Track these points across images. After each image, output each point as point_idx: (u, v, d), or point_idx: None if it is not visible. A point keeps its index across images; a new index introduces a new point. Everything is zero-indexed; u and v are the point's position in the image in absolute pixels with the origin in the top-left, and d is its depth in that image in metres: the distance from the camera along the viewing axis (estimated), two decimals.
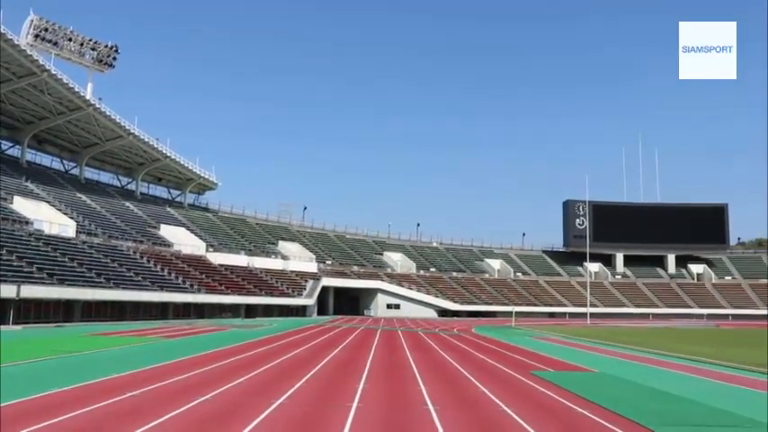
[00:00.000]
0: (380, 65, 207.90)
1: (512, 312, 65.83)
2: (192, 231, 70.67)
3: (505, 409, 10.35)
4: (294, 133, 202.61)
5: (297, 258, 79.42)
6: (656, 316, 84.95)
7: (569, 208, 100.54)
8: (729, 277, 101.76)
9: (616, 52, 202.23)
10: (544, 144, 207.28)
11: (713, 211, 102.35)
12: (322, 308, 75.03)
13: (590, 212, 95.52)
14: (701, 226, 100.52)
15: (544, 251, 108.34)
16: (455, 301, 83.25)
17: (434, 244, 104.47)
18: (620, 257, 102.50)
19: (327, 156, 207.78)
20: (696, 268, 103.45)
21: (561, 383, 13.69)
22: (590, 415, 9.88)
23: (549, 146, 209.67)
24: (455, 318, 74.15)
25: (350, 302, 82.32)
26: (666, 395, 12.49)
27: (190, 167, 75.21)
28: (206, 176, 78.55)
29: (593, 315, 73.88)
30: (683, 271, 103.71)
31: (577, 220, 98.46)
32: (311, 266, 78.46)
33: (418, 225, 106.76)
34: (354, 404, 10.54)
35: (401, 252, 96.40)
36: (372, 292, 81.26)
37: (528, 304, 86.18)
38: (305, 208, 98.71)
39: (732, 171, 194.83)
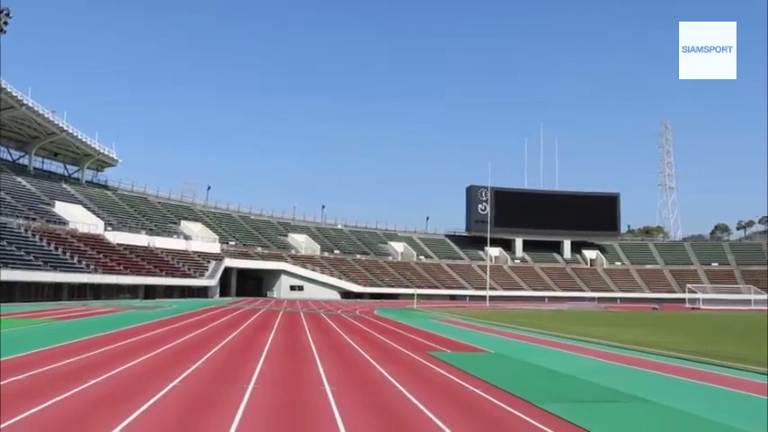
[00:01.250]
0: (279, 44, 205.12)
1: (414, 295, 66.88)
2: (89, 209, 67.83)
3: (401, 389, 10.52)
4: (200, 113, 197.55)
5: (199, 239, 77.77)
6: (551, 299, 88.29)
7: (472, 193, 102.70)
8: (619, 263, 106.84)
9: (523, 46, 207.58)
10: (450, 131, 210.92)
11: (606, 200, 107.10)
12: (224, 289, 73.87)
13: (492, 198, 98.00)
14: (595, 214, 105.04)
15: (447, 235, 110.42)
16: (358, 284, 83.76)
17: (339, 226, 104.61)
18: (519, 242, 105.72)
19: (233, 136, 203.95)
20: (590, 254, 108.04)
21: (457, 364, 14.03)
22: (482, 393, 10.18)
23: (454, 132, 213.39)
24: (358, 300, 74.62)
25: (253, 284, 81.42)
26: (556, 373, 13.02)
27: (88, 142, 71.89)
28: (105, 152, 75.32)
29: (492, 298, 76.00)
30: (578, 256, 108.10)
31: (480, 205, 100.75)
32: (214, 247, 77.03)
33: (323, 207, 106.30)
34: (251, 385, 10.46)
35: (306, 234, 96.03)
36: (276, 274, 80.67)
37: (430, 287, 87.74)
38: (209, 187, 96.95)
39: (624, 162, 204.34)
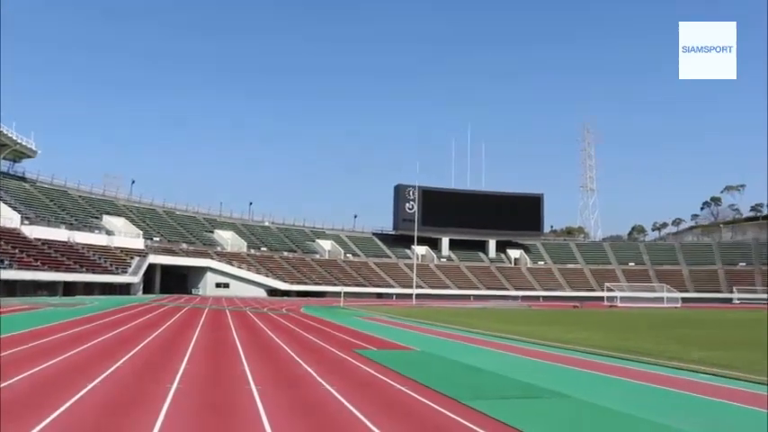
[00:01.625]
0: (205, 40, 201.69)
1: (341, 293, 66.86)
2: (4, 202, 65.00)
3: (327, 387, 10.52)
4: (124, 106, 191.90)
5: (122, 234, 75.63)
6: (476, 297, 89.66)
7: (400, 192, 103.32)
8: (542, 262, 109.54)
9: (452, 47, 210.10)
10: (378, 129, 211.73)
11: (530, 201, 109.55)
12: (148, 286, 72.11)
13: (419, 197, 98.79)
14: (520, 214, 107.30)
15: (374, 233, 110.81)
16: (285, 281, 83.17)
17: (266, 223, 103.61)
18: (445, 241, 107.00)
19: (158, 131, 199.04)
20: (514, 253, 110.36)
21: (383, 361, 14.12)
22: (409, 391, 10.28)
23: (382, 131, 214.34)
24: (285, 297, 74.09)
25: (178, 281, 79.69)
26: (480, 371, 13.26)
27: (4, 131, 68.83)
28: (23, 143, 72.18)
29: (418, 296, 76.66)
30: (503, 255, 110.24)
31: (407, 204, 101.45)
32: (137, 243, 75.08)
33: (251, 204, 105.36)
34: (174, 385, 10.26)
35: (232, 230, 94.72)
36: (201, 271, 79.28)
37: (357, 285, 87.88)
38: (133, 182, 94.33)
39: (548, 164, 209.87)
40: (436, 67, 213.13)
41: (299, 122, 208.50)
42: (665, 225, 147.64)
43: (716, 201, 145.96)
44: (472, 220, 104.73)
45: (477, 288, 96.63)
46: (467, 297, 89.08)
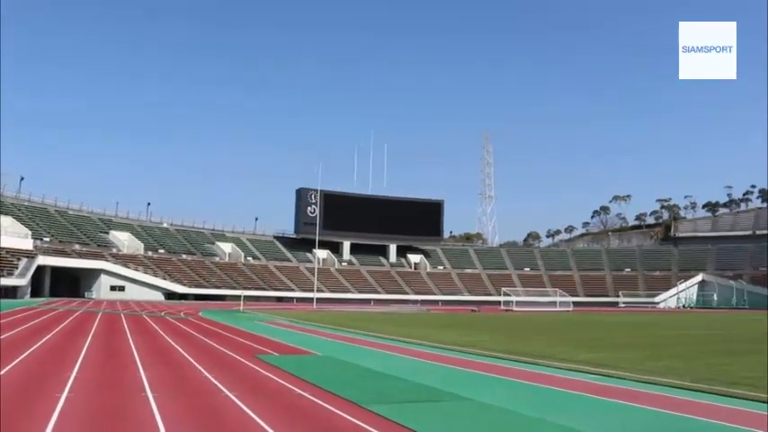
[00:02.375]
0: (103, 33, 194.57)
1: (240, 296, 65.81)
2: None
3: (227, 393, 10.32)
4: (13, 99, 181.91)
5: (9, 234, 71.51)
6: (377, 301, 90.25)
7: (302, 196, 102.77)
8: (441, 267, 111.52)
9: (362, 56, 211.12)
10: (282, 131, 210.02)
11: (431, 207, 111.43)
12: (37, 289, 68.55)
13: (321, 201, 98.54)
14: (421, 220, 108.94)
15: (275, 236, 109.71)
16: (184, 284, 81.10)
17: (165, 224, 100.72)
18: (347, 245, 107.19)
19: (51, 127, 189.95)
20: (414, 258, 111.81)
21: (284, 366, 13.99)
22: (310, 396, 10.22)
23: (284, 133, 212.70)
24: (183, 301, 72.21)
25: (69, 284, 76.19)
26: (381, 374, 13.35)
27: None
28: None
29: (319, 300, 76.43)
30: (403, 260, 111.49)
31: (309, 207, 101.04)
32: (25, 243, 71.27)
33: (149, 204, 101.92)
34: (64, 394, 9.80)
35: (129, 232, 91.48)
36: (95, 273, 76.13)
37: (257, 288, 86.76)
38: (21, 179, 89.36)
39: (449, 171, 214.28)
40: (340, 72, 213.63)
41: (199, 122, 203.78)
42: (558, 232, 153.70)
43: (605, 210, 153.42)
44: (374, 225, 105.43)
45: (378, 292, 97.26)
46: (367, 301, 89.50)
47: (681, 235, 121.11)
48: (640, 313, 66.24)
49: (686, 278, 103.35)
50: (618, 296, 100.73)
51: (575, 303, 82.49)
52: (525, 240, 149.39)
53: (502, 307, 76.30)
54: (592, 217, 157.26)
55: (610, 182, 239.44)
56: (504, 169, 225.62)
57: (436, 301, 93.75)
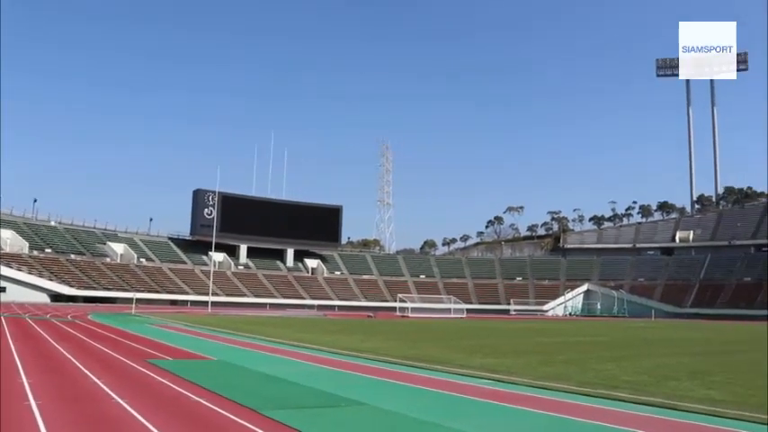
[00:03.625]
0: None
1: (132, 299, 63.59)
2: None
3: (118, 400, 9.98)
4: None
5: None
6: (272, 306, 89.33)
7: (199, 197, 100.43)
8: (339, 272, 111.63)
9: (264, 60, 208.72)
10: (179, 130, 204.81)
11: (330, 212, 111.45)
12: None
13: (219, 203, 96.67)
14: (319, 225, 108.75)
15: (170, 238, 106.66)
16: (72, 286, 77.49)
17: (52, 223, 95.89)
18: (243, 249, 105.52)
19: None
20: (311, 263, 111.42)
21: (178, 372, 13.68)
22: (205, 402, 10.05)
23: (183, 132, 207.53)
24: (71, 303, 69.00)
25: None
26: (278, 380, 13.27)
27: None
28: None
29: (214, 304, 74.94)
30: (300, 265, 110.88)
31: (206, 209, 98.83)
32: None
33: (35, 201, 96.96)
34: None
35: (12, 229, 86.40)
36: None
37: (150, 291, 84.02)
38: None
39: (348, 178, 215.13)
40: (240, 74, 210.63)
41: (92, 120, 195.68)
42: (454, 240, 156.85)
43: (499, 220, 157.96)
44: (272, 229, 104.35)
45: (275, 297, 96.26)
46: (263, 305, 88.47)
47: (569, 246, 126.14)
48: (530, 320, 68.62)
49: (573, 287, 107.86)
50: (509, 304, 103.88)
51: (468, 310, 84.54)
52: (422, 248, 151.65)
53: (398, 313, 77.11)
54: (486, 227, 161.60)
55: (504, 193, 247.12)
56: (403, 177, 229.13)
57: (333, 307, 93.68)
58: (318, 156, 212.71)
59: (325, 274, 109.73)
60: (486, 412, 10.36)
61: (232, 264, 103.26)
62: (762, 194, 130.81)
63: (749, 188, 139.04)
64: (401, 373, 15.30)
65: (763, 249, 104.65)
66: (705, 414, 9.98)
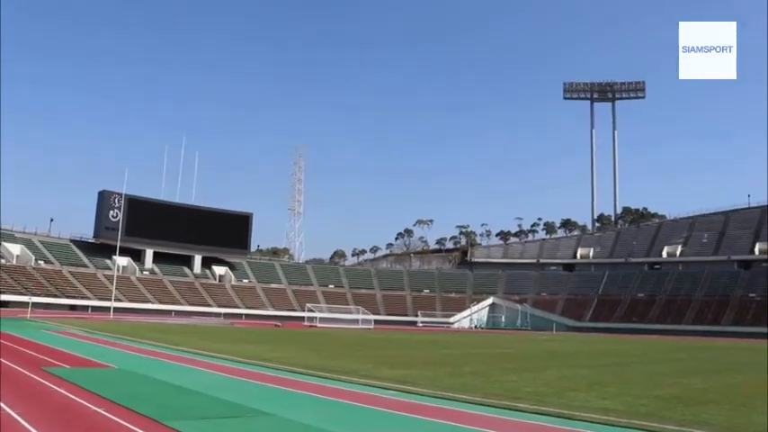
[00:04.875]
0: None
1: (29, 303, 60.66)
2: None
3: (9, 411, 9.52)
4: None
5: None
6: (178, 313, 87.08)
7: (104, 199, 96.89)
8: (247, 280, 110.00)
9: (168, 65, 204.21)
10: (85, 130, 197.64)
11: (240, 219, 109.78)
12: None
13: (125, 206, 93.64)
14: (228, 231, 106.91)
15: (72, 240, 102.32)
16: None
17: None
18: (149, 253, 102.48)
19: None
20: (219, 270, 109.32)
21: (75, 380, 13.19)
22: (103, 412, 9.74)
23: (89, 132, 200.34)
24: None
25: None
26: (182, 389, 13.00)
27: None
28: None
29: (117, 310, 72.47)
30: (208, 272, 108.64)
31: (111, 212, 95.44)
32: None
33: None
34: None
35: None
36: None
37: (49, 295, 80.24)
38: None
39: (260, 185, 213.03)
40: (151, 76, 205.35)
41: None
42: (363, 252, 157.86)
43: (408, 233, 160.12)
44: (180, 234, 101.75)
45: (180, 304, 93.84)
46: (168, 312, 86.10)
47: (476, 260, 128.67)
48: (437, 332, 69.69)
49: (479, 300, 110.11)
50: (417, 315, 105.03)
51: (376, 321, 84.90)
52: (331, 258, 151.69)
53: (306, 323, 76.70)
54: (396, 239, 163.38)
55: (414, 206, 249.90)
56: (315, 186, 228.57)
57: (240, 315, 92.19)
58: (230, 162, 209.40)
59: (233, 282, 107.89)
60: (392, 423, 10.47)
61: (137, 269, 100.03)
62: (656, 215, 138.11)
63: (645, 209, 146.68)
64: (308, 383, 15.25)
65: (656, 267, 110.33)
66: (599, 423, 10.45)
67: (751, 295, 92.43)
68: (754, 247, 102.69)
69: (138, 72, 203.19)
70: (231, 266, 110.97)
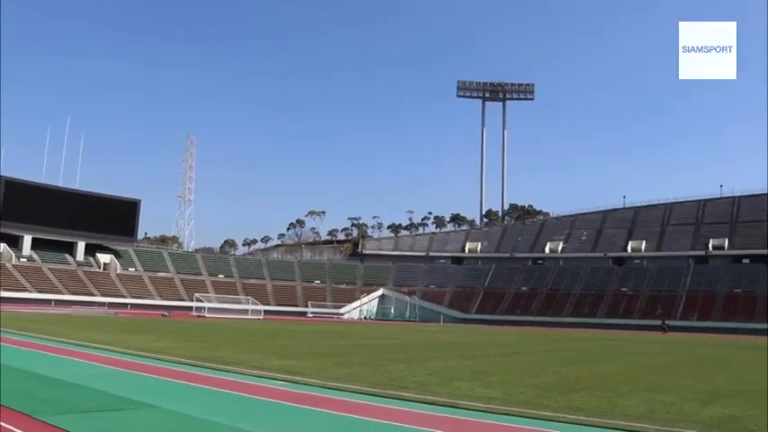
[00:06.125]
0: None
1: None
2: None
3: None
4: None
5: None
6: (58, 302, 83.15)
7: None
8: (133, 269, 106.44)
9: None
10: None
11: (126, 206, 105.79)
12: None
13: (2, 188, 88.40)
14: (114, 218, 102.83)
15: None
16: None
17: None
18: (28, 239, 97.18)
19: None
20: (104, 258, 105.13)
21: None
22: None
23: None
24: None
25: None
26: (59, 382, 12.55)
27: None
28: None
29: None
30: (92, 259, 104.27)
31: None
32: None
33: None
34: None
35: None
36: None
37: None
38: None
39: (148, 171, 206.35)
40: (38, 58, 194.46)
41: None
42: (254, 241, 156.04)
43: (300, 223, 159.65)
44: (62, 220, 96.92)
45: (61, 293, 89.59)
46: (48, 302, 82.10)
47: (367, 252, 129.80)
48: (327, 323, 69.92)
49: (369, 292, 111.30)
50: (307, 306, 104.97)
51: (266, 312, 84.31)
52: (221, 247, 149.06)
53: (194, 313, 75.22)
54: (288, 229, 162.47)
55: (307, 196, 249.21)
56: (207, 175, 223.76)
57: (125, 305, 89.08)
58: (118, 146, 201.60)
59: (119, 271, 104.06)
60: (278, 413, 10.55)
61: (13, 255, 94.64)
62: (540, 212, 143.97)
63: (530, 206, 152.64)
64: (194, 374, 15.07)
65: (539, 262, 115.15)
66: (481, 411, 10.92)
67: (623, 290, 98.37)
68: (627, 244, 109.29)
69: (24, 56, 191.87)
70: (116, 254, 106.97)
